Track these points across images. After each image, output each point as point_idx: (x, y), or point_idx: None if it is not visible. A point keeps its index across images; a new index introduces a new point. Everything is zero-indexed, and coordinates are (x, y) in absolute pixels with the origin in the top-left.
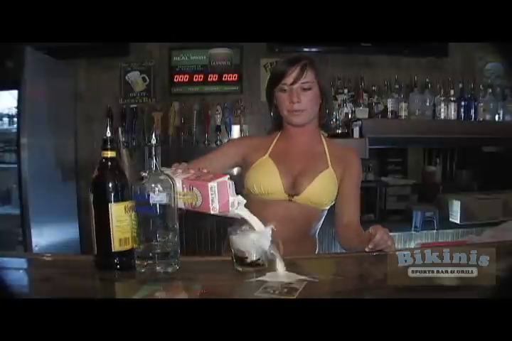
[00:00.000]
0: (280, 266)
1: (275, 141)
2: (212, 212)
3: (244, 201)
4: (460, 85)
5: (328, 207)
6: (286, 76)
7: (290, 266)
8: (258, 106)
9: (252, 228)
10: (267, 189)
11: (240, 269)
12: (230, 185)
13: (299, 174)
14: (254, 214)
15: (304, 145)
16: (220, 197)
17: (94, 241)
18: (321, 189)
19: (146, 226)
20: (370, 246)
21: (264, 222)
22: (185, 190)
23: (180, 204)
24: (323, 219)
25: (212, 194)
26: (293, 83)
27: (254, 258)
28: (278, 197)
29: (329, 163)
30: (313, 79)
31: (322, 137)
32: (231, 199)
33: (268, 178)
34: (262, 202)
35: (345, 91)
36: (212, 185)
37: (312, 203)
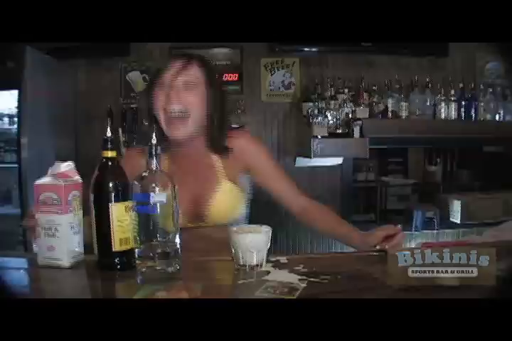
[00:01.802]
0: None
1: None
2: None
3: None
4: (460, 85)
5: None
6: (169, 69)
7: (289, 266)
8: (258, 106)
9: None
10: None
11: (240, 269)
12: None
13: (196, 200)
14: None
15: (194, 166)
16: None
17: (95, 241)
18: (225, 207)
19: (147, 226)
20: (387, 247)
21: None
22: None
23: None
24: (246, 212)
25: None
26: (173, 77)
27: (253, 258)
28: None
29: (221, 174)
30: (199, 77)
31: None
32: None
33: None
34: None
35: (346, 91)
36: None
37: (221, 223)
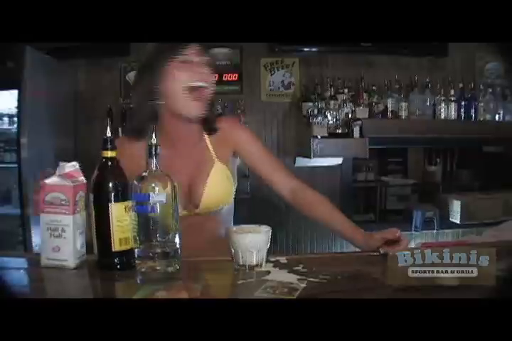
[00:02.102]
0: None
1: None
2: None
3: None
4: (460, 85)
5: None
6: (189, 48)
7: (288, 266)
8: (258, 106)
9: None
10: None
11: (240, 269)
12: None
13: (189, 185)
14: None
15: (189, 149)
16: None
17: (95, 241)
18: (217, 191)
19: (147, 226)
20: (391, 253)
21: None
22: None
23: None
24: (233, 203)
25: None
26: (196, 55)
27: (253, 258)
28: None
29: (213, 156)
30: (209, 59)
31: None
32: None
33: None
34: None
35: (346, 91)
36: None
37: (214, 209)
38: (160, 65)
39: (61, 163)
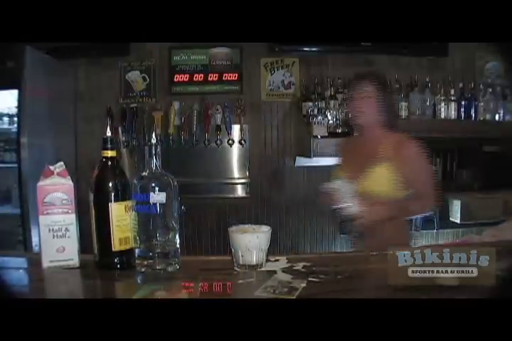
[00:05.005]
0: None
1: None
2: None
3: None
4: (460, 85)
5: None
6: None
7: (288, 265)
8: (258, 106)
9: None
10: None
11: (240, 269)
12: None
13: None
14: None
15: None
16: None
17: (94, 240)
18: None
19: (147, 226)
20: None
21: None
22: None
23: None
24: None
25: None
26: None
27: (253, 258)
28: None
29: None
30: None
31: None
32: None
33: None
34: None
35: (346, 90)
36: None
37: None
38: None
39: (48, 165)
